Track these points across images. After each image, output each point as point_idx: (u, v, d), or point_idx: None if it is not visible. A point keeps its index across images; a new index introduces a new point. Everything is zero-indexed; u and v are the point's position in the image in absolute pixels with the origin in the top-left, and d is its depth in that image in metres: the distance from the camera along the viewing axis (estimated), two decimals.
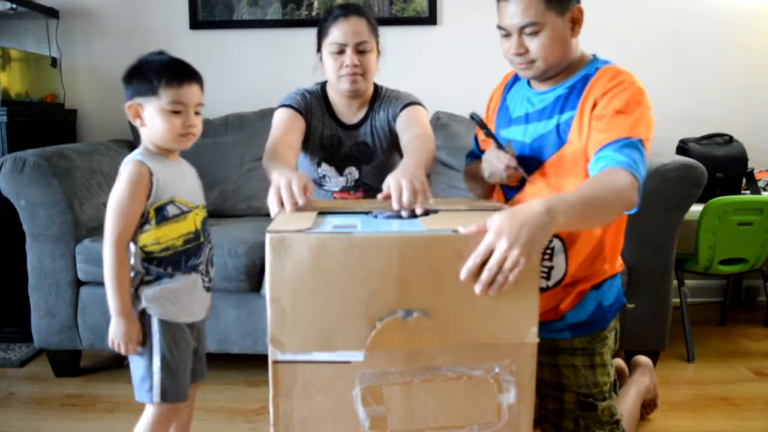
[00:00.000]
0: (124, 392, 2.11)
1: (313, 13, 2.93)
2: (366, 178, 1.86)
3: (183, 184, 1.41)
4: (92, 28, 2.96)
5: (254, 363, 2.07)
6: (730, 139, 2.68)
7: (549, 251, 1.41)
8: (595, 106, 1.33)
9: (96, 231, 2.29)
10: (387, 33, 3.05)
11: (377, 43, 1.79)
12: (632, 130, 1.27)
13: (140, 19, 2.96)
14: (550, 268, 1.41)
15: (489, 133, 1.44)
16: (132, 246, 1.34)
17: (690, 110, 2.87)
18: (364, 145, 1.84)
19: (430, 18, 2.91)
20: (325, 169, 1.86)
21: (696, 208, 2.20)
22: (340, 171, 1.85)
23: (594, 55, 1.43)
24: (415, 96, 1.86)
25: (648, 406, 1.89)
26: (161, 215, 1.35)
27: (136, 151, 1.39)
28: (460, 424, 1.02)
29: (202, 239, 1.42)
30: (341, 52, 1.72)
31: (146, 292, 1.35)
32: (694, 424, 1.90)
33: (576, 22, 1.35)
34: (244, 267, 2.08)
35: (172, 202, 1.37)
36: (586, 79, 1.37)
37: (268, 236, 0.98)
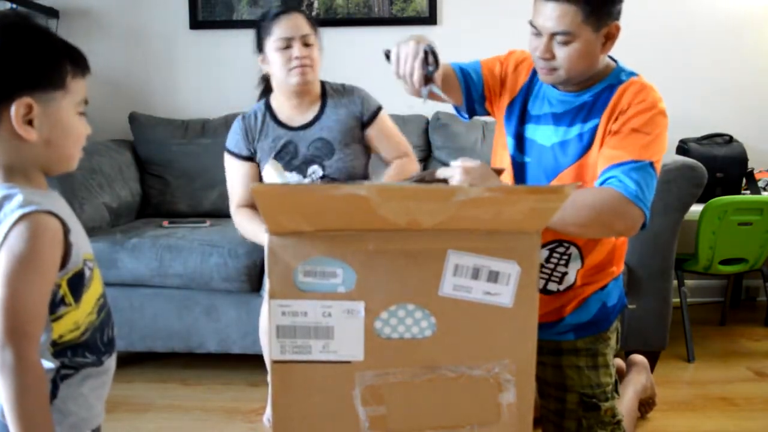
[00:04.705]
0: (122, 392, 2.11)
1: (313, 13, 2.92)
2: (331, 173, 1.84)
3: (77, 225, 0.95)
4: (92, 28, 2.96)
5: (254, 363, 2.06)
6: (730, 139, 2.68)
7: (566, 257, 1.40)
8: (616, 121, 1.32)
9: (96, 231, 2.28)
10: (387, 33, 3.09)
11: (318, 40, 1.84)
12: (644, 151, 1.26)
13: (140, 19, 2.95)
14: (564, 274, 1.41)
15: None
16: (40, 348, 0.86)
17: (690, 110, 2.86)
18: (321, 142, 1.84)
19: (430, 18, 2.91)
20: (287, 176, 1.85)
21: (696, 208, 2.20)
22: (303, 173, 1.84)
23: (616, 62, 1.40)
24: (366, 91, 1.91)
25: (646, 404, 1.89)
26: (79, 287, 0.92)
27: (10, 192, 0.87)
28: (460, 423, 1.02)
29: (105, 297, 1.01)
30: (288, 47, 1.76)
31: (69, 396, 0.91)
32: (694, 424, 1.90)
33: (609, 38, 1.31)
34: (245, 267, 2.08)
35: (85, 262, 0.94)
36: (611, 89, 1.35)
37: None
